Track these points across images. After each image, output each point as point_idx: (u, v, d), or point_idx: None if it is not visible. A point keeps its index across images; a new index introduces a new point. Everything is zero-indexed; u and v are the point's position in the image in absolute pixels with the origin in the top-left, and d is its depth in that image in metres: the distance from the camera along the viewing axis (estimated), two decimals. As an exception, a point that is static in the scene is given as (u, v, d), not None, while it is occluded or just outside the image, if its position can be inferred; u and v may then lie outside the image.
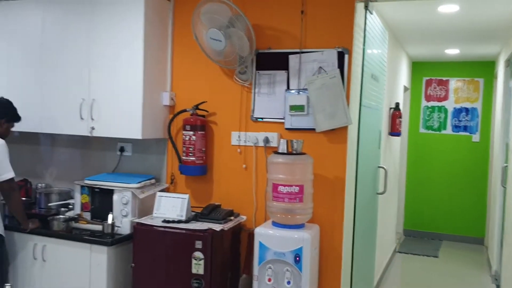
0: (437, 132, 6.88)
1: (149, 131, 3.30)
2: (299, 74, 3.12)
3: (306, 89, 3.07)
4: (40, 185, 3.79)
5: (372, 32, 3.40)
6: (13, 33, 3.59)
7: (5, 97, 3.34)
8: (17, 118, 3.29)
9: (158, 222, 2.99)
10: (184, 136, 3.30)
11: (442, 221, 6.87)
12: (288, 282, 2.77)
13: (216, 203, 3.23)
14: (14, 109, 3.27)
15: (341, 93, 2.97)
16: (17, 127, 3.41)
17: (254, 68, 3.23)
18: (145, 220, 3.04)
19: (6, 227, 3.19)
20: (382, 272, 5.00)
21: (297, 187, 2.81)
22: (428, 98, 6.92)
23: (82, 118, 3.35)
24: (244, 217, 3.23)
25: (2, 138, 3.14)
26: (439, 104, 6.86)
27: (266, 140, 3.18)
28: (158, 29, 3.35)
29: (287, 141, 2.88)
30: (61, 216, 3.29)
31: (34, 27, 3.50)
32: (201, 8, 3.02)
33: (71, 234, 3.15)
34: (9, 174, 3.04)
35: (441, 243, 6.67)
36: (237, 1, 3.08)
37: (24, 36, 3.55)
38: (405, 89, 6.26)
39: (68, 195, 3.66)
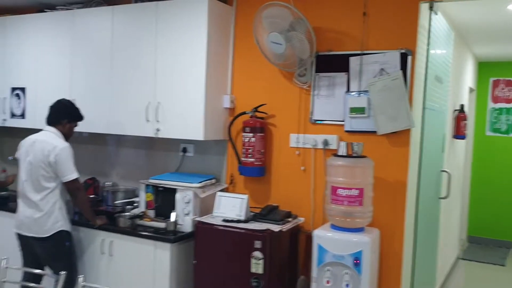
0: (505, 135, 6.55)
1: (210, 132, 3.39)
2: (360, 76, 3.09)
3: (367, 91, 3.04)
4: (107, 183, 3.99)
5: (436, 32, 3.31)
6: (85, 40, 3.80)
7: (77, 100, 3.55)
8: (80, 118, 3.45)
9: (218, 221, 3.07)
10: (243, 138, 3.36)
11: (509, 228, 6.54)
12: (347, 285, 2.76)
13: (274, 204, 3.27)
14: (76, 109, 3.43)
15: (403, 95, 2.92)
16: (87, 129, 3.62)
17: (313, 71, 3.24)
18: (206, 219, 3.13)
19: (75, 223, 3.39)
20: (443, 280, 4.84)
21: (357, 190, 2.79)
22: (495, 99, 6.60)
23: (148, 120, 3.49)
24: (302, 219, 3.24)
25: (66, 138, 3.33)
26: (508, 105, 6.53)
27: (325, 143, 3.18)
28: (220, 34, 3.43)
29: (347, 144, 2.87)
30: (126, 213, 3.44)
31: (104, 35, 3.69)
32: (263, 12, 3.06)
33: (136, 231, 3.29)
34: (73, 175, 3.21)
35: (508, 251, 6.35)
36: (298, 4, 3.11)
37: (95, 44, 3.75)
38: (471, 90, 6.01)
39: (133, 193, 3.82)
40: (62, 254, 3.20)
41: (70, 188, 3.22)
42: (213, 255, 3.02)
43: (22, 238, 3.27)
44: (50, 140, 3.20)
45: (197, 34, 3.29)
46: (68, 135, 3.35)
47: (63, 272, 2.32)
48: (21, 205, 3.27)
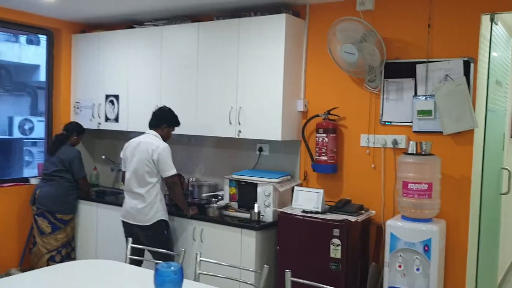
0: None
1: (287, 133, 3.80)
2: (426, 82, 3.41)
3: (433, 95, 3.36)
4: (191, 179, 4.47)
5: (496, 40, 3.58)
6: (172, 53, 4.30)
7: (168, 105, 4.04)
8: (177, 123, 3.96)
9: (298, 212, 3.47)
10: (317, 138, 3.75)
11: None
12: (418, 269, 3.09)
13: (347, 198, 3.64)
14: (175, 116, 3.94)
15: (467, 98, 3.22)
16: (176, 131, 4.10)
17: (382, 77, 3.59)
18: (287, 210, 3.54)
19: (171, 214, 3.88)
20: (504, 274, 5.04)
21: (426, 185, 3.11)
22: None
23: (230, 123, 3.94)
24: (373, 212, 3.59)
25: (164, 140, 3.83)
26: None
27: (395, 142, 3.52)
28: (295, 44, 3.84)
29: (416, 143, 3.20)
30: (214, 205, 3.89)
31: (190, 48, 4.18)
32: (337, 26, 3.44)
33: (224, 220, 3.74)
34: (172, 171, 3.71)
35: None
36: (368, 18, 3.47)
37: (182, 56, 4.24)
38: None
39: (216, 187, 4.28)
40: (161, 241, 3.68)
41: (169, 182, 3.71)
42: (294, 241, 3.42)
43: (126, 226, 3.79)
44: (153, 141, 3.70)
45: (276, 45, 3.71)
46: (166, 138, 3.85)
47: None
48: (127, 197, 3.79)
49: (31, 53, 8.06)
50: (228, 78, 3.96)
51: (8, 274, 4.47)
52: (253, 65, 3.83)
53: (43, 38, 7.27)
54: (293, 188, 3.80)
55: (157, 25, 4.50)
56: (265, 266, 2.47)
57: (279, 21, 3.70)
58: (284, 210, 3.54)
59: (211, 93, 4.07)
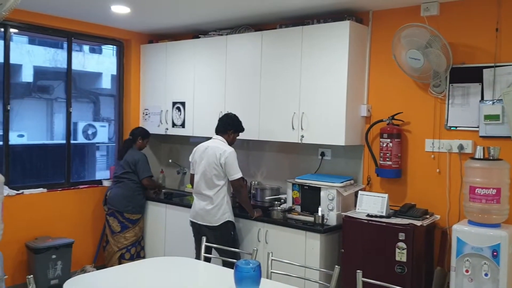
0: None
1: (350, 138, 3.87)
2: (494, 86, 3.39)
3: (501, 99, 3.33)
4: (253, 182, 4.62)
5: None
6: (236, 60, 4.48)
7: (232, 112, 4.21)
8: (242, 129, 4.12)
9: (362, 216, 3.53)
10: (381, 143, 3.79)
11: None
12: (486, 275, 3.07)
13: (412, 203, 3.66)
14: (240, 122, 4.10)
15: (537, 103, 3.17)
16: (240, 135, 4.25)
17: (448, 82, 3.59)
18: (351, 214, 3.60)
19: (236, 215, 4.03)
20: None
21: (494, 190, 3.10)
22: None
23: (293, 128, 4.05)
24: (438, 216, 3.59)
25: (230, 145, 3.99)
26: None
27: (460, 147, 3.51)
28: (358, 50, 3.91)
29: (484, 148, 3.19)
30: (278, 207, 4.01)
31: (254, 56, 4.33)
32: (401, 32, 3.49)
33: (288, 222, 3.86)
34: (238, 174, 3.87)
35: None
36: (433, 23, 3.50)
37: (245, 64, 4.41)
38: None
39: (278, 191, 4.40)
40: (228, 241, 3.84)
41: (235, 185, 3.87)
42: (358, 244, 3.48)
43: (195, 226, 3.98)
44: (220, 146, 3.88)
45: (339, 52, 3.79)
46: (231, 143, 4.01)
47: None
48: (196, 199, 3.98)
49: (94, 62, 8.50)
50: (291, 84, 4.08)
51: (83, 270, 4.79)
52: (316, 71, 3.93)
53: (106, 48, 7.70)
54: (356, 192, 3.87)
55: (222, 34, 4.70)
56: (336, 266, 2.56)
57: (343, 28, 3.78)
58: (349, 214, 3.61)
59: (274, 99, 4.20)
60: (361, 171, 4.07)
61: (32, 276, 2.28)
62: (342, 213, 3.68)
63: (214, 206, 3.84)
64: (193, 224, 4.01)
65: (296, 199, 4.03)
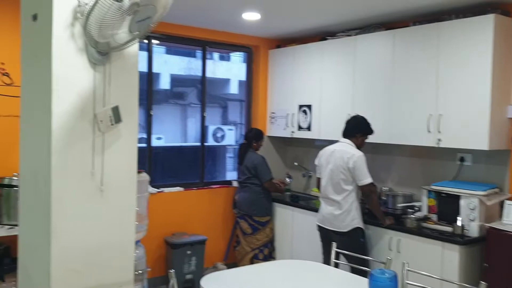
0: None
1: (494, 142, 3.51)
2: None
3: None
4: (384, 188, 4.43)
5: None
6: (366, 61, 4.34)
7: (360, 114, 4.08)
8: (371, 132, 3.97)
9: (510, 228, 3.18)
10: (532, 147, 3.38)
11: None
12: None
13: None
14: (368, 124, 3.95)
15: None
16: (371, 140, 4.10)
17: None
18: (497, 225, 3.27)
19: (365, 222, 3.90)
20: None
21: None
22: None
23: (429, 131, 3.80)
24: None
25: (358, 149, 3.86)
26: None
27: None
28: (504, 46, 3.53)
29: None
30: (411, 215, 3.79)
31: (385, 56, 4.16)
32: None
33: (422, 232, 3.62)
34: (368, 179, 3.73)
35: None
36: None
37: (376, 64, 4.25)
38: None
39: (411, 198, 4.16)
40: (356, 248, 3.71)
41: (365, 190, 3.74)
42: (505, 259, 3.14)
43: (323, 231, 3.94)
44: (348, 149, 3.79)
45: (482, 48, 3.47)
46: (360, 146, 3.89)
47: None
48: (323, 203, 3.94)
49: (223, 69, 8.90)
50: (427, 84, 3.84)
51: (215, 267, 5.02)
52: (455, 70, 3.64)
53: (234, 55, 8.01)
54: (501, 202, 3.50)
55: (350, 35, 4.59)
56: (482, 282, 2.33)
57: (487, 22, 3.45)
58: (494, 225, 3.28)
59: (407, 100, 3.99)
60: (507, 178, 3.67)
61: (173, 271, 2.43)
62: (485, 224, 3.36)
63: (342, 212, 3.75)
64: (320, 228, 3.96)
65: (432, 207, 3.77)
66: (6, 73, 3.69)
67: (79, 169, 2.10)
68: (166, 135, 7.34)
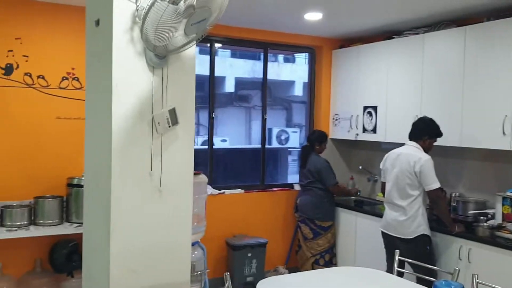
0: None
1: None
2: None
3: None
4: (454, 194, 4.18)
5: None
6: (435, 61, 4.12)
7: (429, 115, 3.87)
8: (439, 134, 3.75)
9: None
10: None
11: None
12: None
13: None
14: (436, 126, 3.74)
15: None
16: (440, 143, 3.88)
17: None
18: None
19: (432, 229, 3.69)
20: None
21: None
22: None
23: (504, 134, 3.53)
24: None
25: (425, 152, 3.66)
26: None
27: None
28: None
29: None
30: (484, 224, 3.54)
31: (456, 54, 3.92)
32: None
33: (496, 241, 3.37)
34: (436, 184, 3.53)
35: None
36: None
37: (445, 63, 4.02)
38: None
39: (484, 204, 3.89)
40: (422, 256, 3.53)
41: (432, 196, 3.55)
42: None
43: (387, 237, 3.78)
44: (414, 153, 3.61)
45: None
46: (428, 150, 3.70)
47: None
48: (387, 208, 3.78)
49: (287, 71, 8.87)
50: (503, 83, 3.57)
51: (276, 270, 4.99)
52: (534, 67, 3.37)
53: (299, 57, 7.94)
54: None
55: (418, 33, 4.38)
56: None
57: None
58: None
59: (479, 101, 3.74)
60: None
61: (228, 273, 2.42)
62: None
63: (407, 218, 3.58)
64: (384, 235, 3.80)
65: (507, 215, 3.50)
66: (76, 77, 3.89)
67: (138, 170, 2.15)
68: (230, 138, 7.41)
